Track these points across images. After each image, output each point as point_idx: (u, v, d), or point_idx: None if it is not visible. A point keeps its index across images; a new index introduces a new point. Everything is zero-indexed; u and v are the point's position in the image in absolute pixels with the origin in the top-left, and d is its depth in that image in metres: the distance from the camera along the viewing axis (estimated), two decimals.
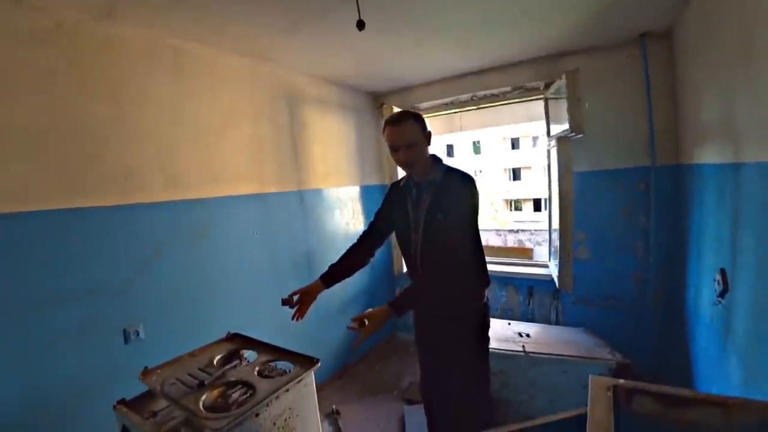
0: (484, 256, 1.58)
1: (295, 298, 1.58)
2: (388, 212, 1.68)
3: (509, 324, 2.30)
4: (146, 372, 1.46)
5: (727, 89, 1.45)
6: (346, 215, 3.04)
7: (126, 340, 1.72)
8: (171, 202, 1.88)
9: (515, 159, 21.73)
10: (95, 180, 1.63)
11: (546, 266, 2.79)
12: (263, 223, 2.32)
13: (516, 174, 22.12)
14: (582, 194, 2.47)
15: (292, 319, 1.58)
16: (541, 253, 3.57)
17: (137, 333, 1.75)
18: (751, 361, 1.28)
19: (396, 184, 1.69)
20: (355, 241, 1.75)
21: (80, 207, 1.59)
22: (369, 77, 2.76)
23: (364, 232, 1.75)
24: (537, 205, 21.77)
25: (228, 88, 2.12)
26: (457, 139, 21.51)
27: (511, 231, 20.25)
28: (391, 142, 1.43)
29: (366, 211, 3.21)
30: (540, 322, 2.72)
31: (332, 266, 1.70)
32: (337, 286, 1.69)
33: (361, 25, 1.23)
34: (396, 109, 2.79)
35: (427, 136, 1.47)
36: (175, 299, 1.89)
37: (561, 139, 2.27)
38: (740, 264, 1.38)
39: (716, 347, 1.59)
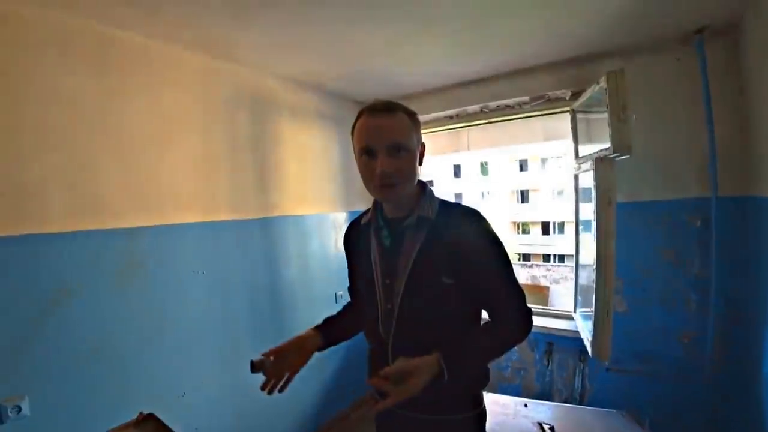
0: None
1: (271, 359, 0.94)
2: (354, 266, 1.14)
3: (526, 406, 1.75)
4: None
5: None
6: (329, 248, 2.55)
7: (1, 419, 1.25)
8: (83, 233, 1.43)
9: (524, 181, 21.32)
10: None
11: (570, 318, 2.26)
12: (213, 259, 1.85)
13: (524, 196, 21.64)
14: (617, 231, 1.97)
15: (263, 389, 0.95)
16: (559, 294, 3.04)
17: (18, 409, 1.28)
18: None
19: (355, 226, 1.11)
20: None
21: None
22: (354, 81, 2.33)
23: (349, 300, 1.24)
24: (545, 229, 21.16)
25: (170, 90, 1.69)
26: (464, 160, 21.16)
27: (523, 264, 19.35)
28: (367, 141, 0.87)
29: None
30: (560, 388, 2.19)
31: (331, 318, 1.16)
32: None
33: None
34: None
35: (421, 149, 0.94)
36: (82, 359, 1.41)
37: (601, 162, 1.78)
38: None
39: None
